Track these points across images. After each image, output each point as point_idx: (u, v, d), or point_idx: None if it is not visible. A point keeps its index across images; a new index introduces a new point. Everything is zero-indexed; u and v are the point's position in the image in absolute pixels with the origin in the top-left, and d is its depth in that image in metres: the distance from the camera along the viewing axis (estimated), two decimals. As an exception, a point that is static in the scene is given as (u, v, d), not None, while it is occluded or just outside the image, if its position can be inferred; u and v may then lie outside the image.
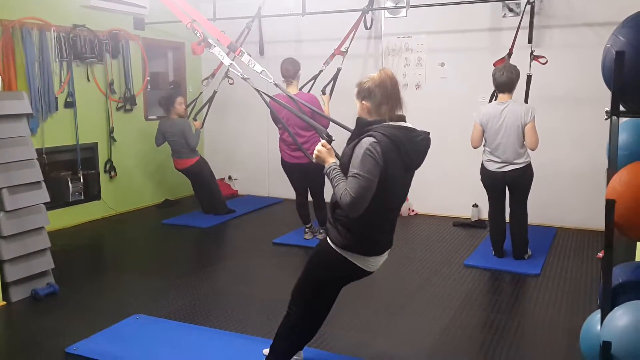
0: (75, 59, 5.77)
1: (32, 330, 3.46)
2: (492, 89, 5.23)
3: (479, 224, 5.87)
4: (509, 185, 4.56)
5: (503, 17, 5.81)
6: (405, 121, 2.45)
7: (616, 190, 2.12)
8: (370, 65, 6.54)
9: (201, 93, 6.79)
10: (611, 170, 2.18)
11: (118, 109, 6.37)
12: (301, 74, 5.15)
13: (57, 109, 5.59)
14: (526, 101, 5.05)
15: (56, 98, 5.57)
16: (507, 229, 4.71)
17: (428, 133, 2.49)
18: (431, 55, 6.20)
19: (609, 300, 2.17)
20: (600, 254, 4.64)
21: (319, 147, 2.52)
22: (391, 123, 2.39)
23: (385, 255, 2.59)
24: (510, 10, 5.77)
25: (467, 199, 6.02)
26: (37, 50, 5.37)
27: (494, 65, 5.13)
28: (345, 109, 6.58)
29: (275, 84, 3.33)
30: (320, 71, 5.89)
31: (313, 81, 5.90)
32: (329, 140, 2.61)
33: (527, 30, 5.34)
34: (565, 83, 5.59)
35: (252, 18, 6.54)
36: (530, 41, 5.34)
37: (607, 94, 2.10)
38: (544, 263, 4.62)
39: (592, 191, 5.45)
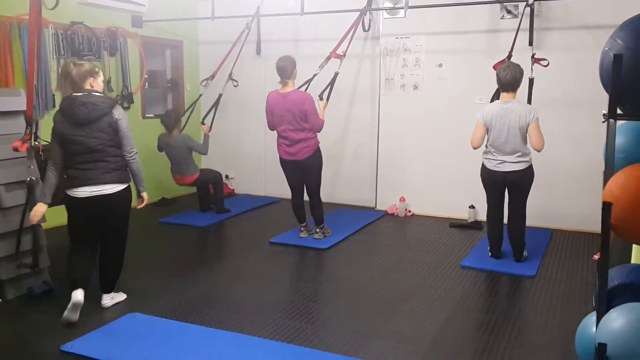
0: (73, 57, 5.74)
1: (28, 327, 3.45)
2: (490, 90, 5.27)
3: (475, 225, 5.88)
4: (508, 186, 4.55)
5: (501, 19, 5.82)
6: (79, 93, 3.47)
7: (613, 193, 2.13)
8: (366, 66, 6.54)
9: (201, 95, 6.79)
10: (608, 173, 2.19)
11: (115, 106, 6.35)
12: (298, 71, 5.08)
13: (54, 106, 5.56)
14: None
15: (53, 95, 5.56)
16: (505, 231, 4.71)
17: (87, 95, 3.46)
18: (429, 56, 6.20)
19: (605, 303, 2.18)
20: (596, 256, 4.65)
21: None
22: (66, 96, 3.47)
23: (87, 188, 3.50)
24: (509, 12, 5.78)
25: (464, 200, 6.03)
26: (34, 47, 5.36)
27: (494, 67, 5.12)
28: (342, 112, 6.66)
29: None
30: (315, 75, 5.70)
31: (307, 85, 5.69)
32: None
33: (526, 33, 5.35)
34: (563, 86, 5.60)
35: (252, 17, 6.54)
36: (530, 43, 5.35)
37: (605, 97, 2.11)
38: (540, 265, 4.63)
39: (589, 193, 5.47)
